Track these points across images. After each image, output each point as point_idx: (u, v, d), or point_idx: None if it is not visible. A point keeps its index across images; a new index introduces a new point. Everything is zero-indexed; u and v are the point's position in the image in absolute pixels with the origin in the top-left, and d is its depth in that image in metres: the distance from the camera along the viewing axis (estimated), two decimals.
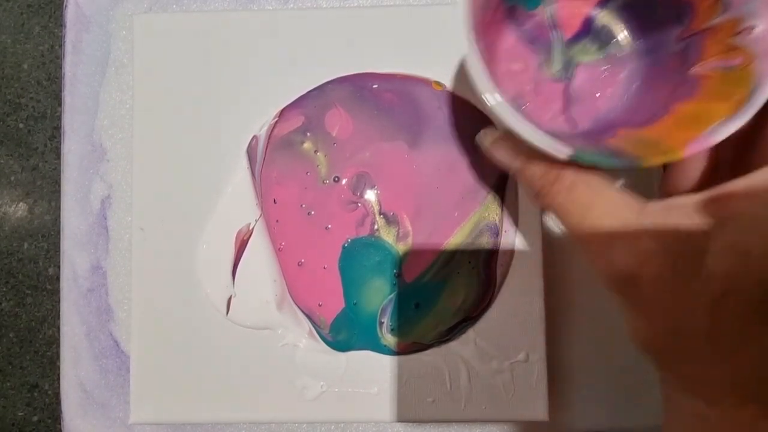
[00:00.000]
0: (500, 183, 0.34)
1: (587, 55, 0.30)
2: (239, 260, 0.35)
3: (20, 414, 0.38)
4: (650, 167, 0.23)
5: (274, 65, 0.36)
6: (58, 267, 0.37)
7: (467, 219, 0.34)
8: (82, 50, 0.37)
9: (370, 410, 0.34)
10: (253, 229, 0.35)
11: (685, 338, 0.21)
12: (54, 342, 0.38)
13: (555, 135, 0.23)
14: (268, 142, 0.35)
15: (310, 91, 0.35)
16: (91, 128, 0.37)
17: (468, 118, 0.35)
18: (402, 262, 0.34)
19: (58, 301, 0.37)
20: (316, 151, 0.35)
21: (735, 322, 0.20)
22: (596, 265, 0.23)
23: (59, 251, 0.37)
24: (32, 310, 0.39)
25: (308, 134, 0.35)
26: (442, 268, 0.34)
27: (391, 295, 0.34)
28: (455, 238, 0.34)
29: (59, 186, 0.38)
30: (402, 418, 0.34)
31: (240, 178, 0.35)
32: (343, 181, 0.35)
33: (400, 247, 0.34)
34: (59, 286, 0.37)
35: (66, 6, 0.37)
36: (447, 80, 0.35)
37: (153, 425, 0.35)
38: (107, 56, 0.37)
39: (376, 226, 0.34)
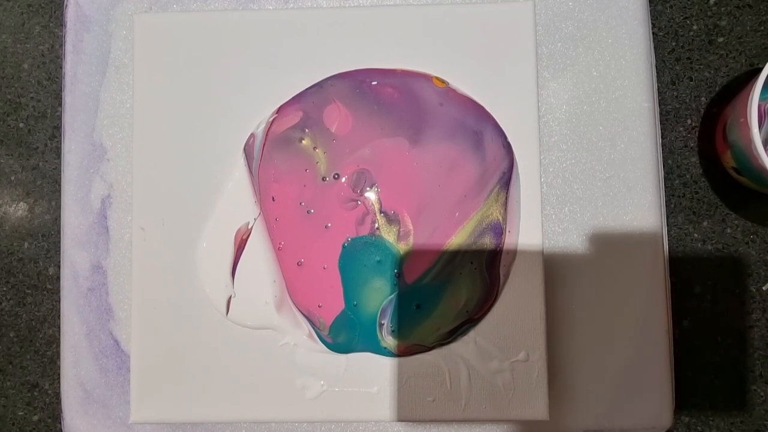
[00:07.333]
0: (503, 181, 0.34)
1: None
2: (238, 260, 0.35)
3: (20, 414, 0.38)
4: None
5: (274, 65, 0.36)
6: (59, 267, 0.37)
7: (469, 218, 0.34)
8: (82, 50, 0.37)
9: (370, 410, 0.34)
10: (252, 228, 0.35)
11: None
12: (54, 342, 0.38)
13: None
14: (265, 139, 0.35)
15: (309, 88, 0.35)
16: (92, 128, 0.37)
17: (470, 115, 0.35)
18: (403, 262, 0.34)
19: (58, 301, 0.37)
20: (315, 148, 0.35)
21: None
22: None
23: (59, 251, 0.37)
24: (32, 309, 0.39)
25: (307, 130, 0.35)
26: (443, 269, 0.34)
27: (392, 296, 0.34)
28: (457, 238, 0.34)
29: (59, 186, 0.38)
30: (402, 417, 0.34)
31: (238, 176, 0.35)
32: (343, 179, 0.35)
33: (401, 247, 0.34)
34: (59, 286, 0.37)
35: (66, 6, 0.37)
36: (447, 79, 0.35)
37: (153, 425, 0.35)
38: (107, 56, 0.37)
39: (376, 225, 0.34)
